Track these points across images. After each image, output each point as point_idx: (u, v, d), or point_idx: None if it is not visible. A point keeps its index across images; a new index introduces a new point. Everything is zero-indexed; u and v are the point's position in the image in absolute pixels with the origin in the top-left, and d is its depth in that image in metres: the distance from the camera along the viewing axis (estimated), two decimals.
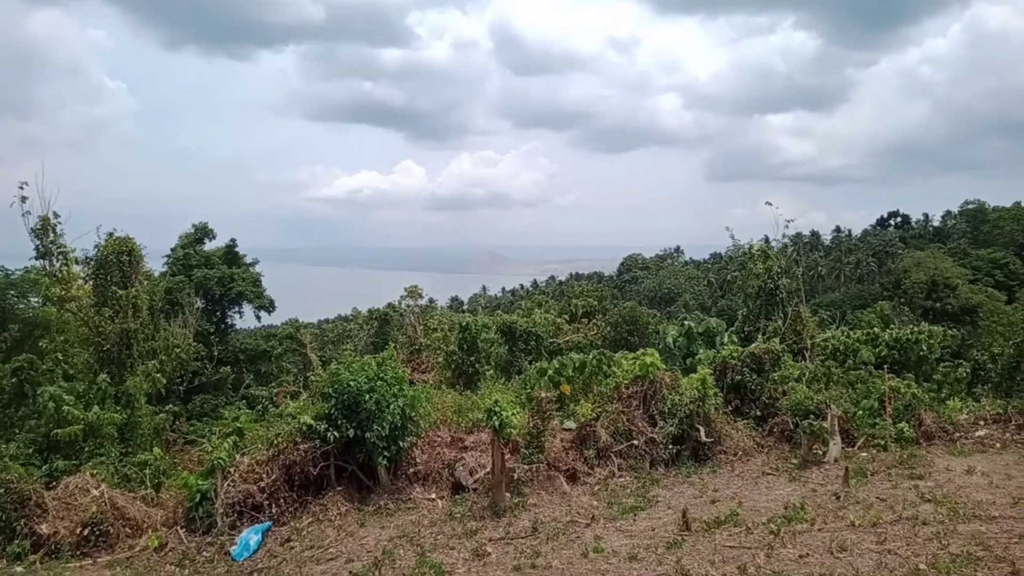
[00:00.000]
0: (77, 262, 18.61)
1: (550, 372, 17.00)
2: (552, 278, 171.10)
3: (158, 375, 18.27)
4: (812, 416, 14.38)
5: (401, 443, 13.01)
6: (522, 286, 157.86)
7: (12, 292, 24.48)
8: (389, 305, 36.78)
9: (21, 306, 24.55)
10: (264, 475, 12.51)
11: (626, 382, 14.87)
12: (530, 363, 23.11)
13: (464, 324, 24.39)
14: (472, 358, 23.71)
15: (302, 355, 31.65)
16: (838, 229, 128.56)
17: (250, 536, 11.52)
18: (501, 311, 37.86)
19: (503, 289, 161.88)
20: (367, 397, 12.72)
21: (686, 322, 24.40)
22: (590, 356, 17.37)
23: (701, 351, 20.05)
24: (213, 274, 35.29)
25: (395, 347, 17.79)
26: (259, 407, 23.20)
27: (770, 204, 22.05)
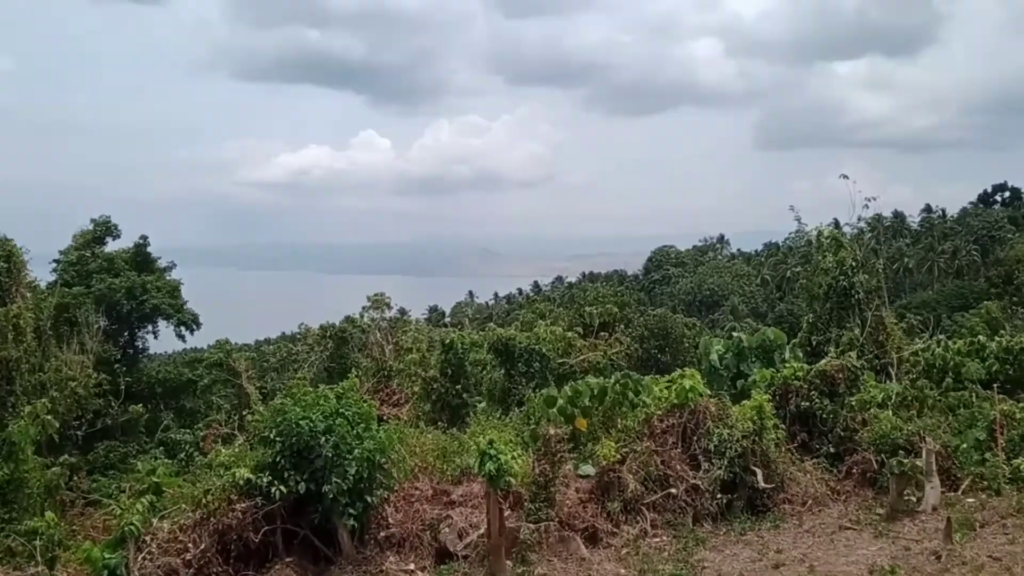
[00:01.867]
0: None
1: (560, 402, 16.91)
2: (559, 280, 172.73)
3: (49, 417, 18.15)
4: (902, 452, 14.44)
5: (368, 499, 13.07)
6: (520, 291, 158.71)
7: None
8: (348, 319, 37.15)
9: None
10: (190, 544, 12.32)
11: (659, 413, 15.01)
12: (534, 391, 23.02)
13: (447, 342, 24.68)
14: (458, 386, 23.91)
15: (236, 387, 31.80)
16: (928, 208, 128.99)
17: None
18: (494, 324, 38.88)
19: (496, 295, 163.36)
20: (323, 440, 12.81)
21: (735, 333, 24.32)
22: (611, 380, 17.35)
23: (755, 371, 20.09)
24: (119, 283, 35.24)
25: (358, 374, 17.98)
26: (182, 455, 23.05)
27: (846, 177, 22.46)
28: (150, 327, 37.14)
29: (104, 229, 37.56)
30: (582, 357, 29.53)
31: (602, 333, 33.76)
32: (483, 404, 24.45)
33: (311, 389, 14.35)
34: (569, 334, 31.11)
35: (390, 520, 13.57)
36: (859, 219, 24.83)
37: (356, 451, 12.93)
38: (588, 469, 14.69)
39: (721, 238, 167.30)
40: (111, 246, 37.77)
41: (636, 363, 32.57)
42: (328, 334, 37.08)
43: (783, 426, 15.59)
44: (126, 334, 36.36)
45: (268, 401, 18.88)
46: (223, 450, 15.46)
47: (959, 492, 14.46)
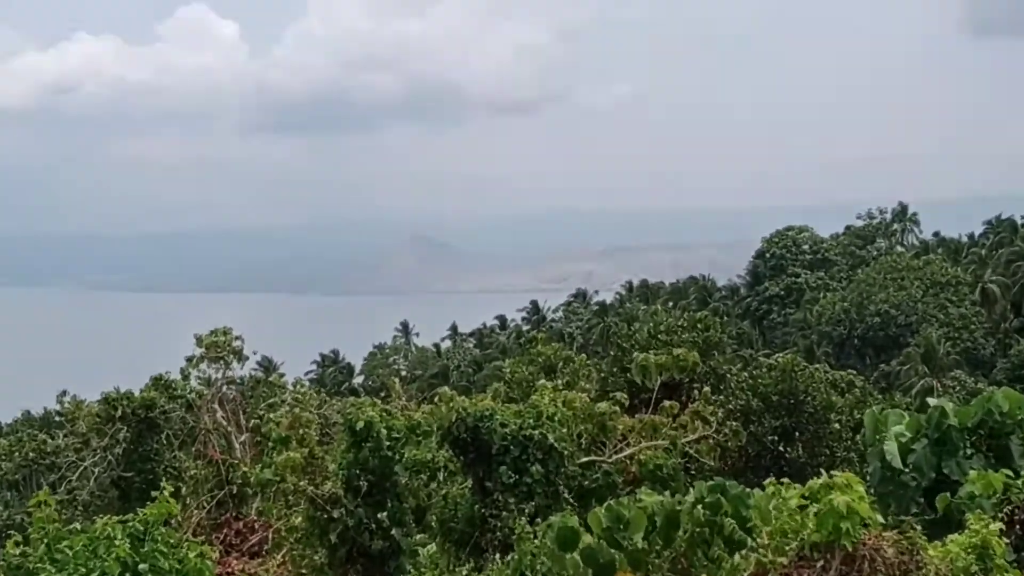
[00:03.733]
0: None
1: (588, 541, 14.35)
2: (581, 296, 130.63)
3: None
4: None
5: None
6: (502, 321, 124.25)
7: None
8: (159, 383, 28.78)
9: None
10: None
11: (784, 561, 12.89)
12: (531, 520, 18.70)
13: (361, 426, 19.64)
14: (382, 513, 19.55)
15: None
16: None
17: None
18: (452, 389, 31.29)
19: (454, 330, 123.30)
20: None
21: (932, 400, 19.98)
22: (689, 497, 14.79)
23: (972, 473, 16.43)
24: None
25: (178, 491, 15.54)
26: None
27: None
28: None
29: None
30: (629, 452, 24.37)
31: (668, 403, 26.48)
32: (430, 548, 20.88)
33: (81, 526, 12.41)
34: (602, 406, 24.79)
35: None
36: None
37: None
38: None
39: (901, 212, 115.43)
40: None
41: (737, 462, 26.21)
42: (118, 414, 27.73)
43: None
44: None
45: None
46: None
47: None
